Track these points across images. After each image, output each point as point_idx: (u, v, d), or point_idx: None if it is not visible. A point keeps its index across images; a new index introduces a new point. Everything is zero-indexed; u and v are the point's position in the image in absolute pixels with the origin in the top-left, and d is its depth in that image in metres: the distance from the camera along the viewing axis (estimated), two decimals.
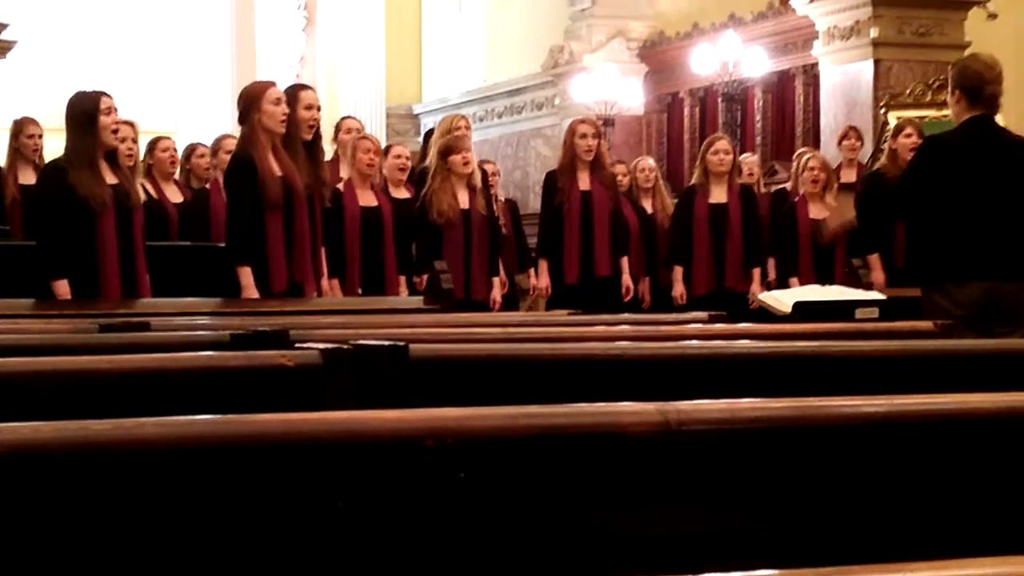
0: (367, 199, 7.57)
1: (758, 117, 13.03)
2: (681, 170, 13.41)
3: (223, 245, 6.29)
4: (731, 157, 8.18)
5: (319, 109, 6.43)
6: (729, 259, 8.10)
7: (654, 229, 8.73)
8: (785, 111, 12.86)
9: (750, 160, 9.39)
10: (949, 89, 5.69)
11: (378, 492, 1.62)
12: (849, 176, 9.02)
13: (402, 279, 7.65)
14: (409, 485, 1.62)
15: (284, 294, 5.97)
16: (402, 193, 7.95)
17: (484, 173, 8.02)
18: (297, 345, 2.60)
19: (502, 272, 8.02)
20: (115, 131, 5.92)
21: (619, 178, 8.69)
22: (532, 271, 8.33)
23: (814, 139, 11.82)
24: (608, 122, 13.36)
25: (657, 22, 14.39)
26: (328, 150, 7.43)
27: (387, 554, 1.63)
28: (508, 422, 1.69)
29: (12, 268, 5.99)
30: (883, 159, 8.29)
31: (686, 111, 13.97)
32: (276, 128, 6.00)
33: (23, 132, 8.17)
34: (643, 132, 14.28)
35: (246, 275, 5.93)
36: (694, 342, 3.19)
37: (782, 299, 6.62)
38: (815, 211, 8.26)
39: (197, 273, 6.44)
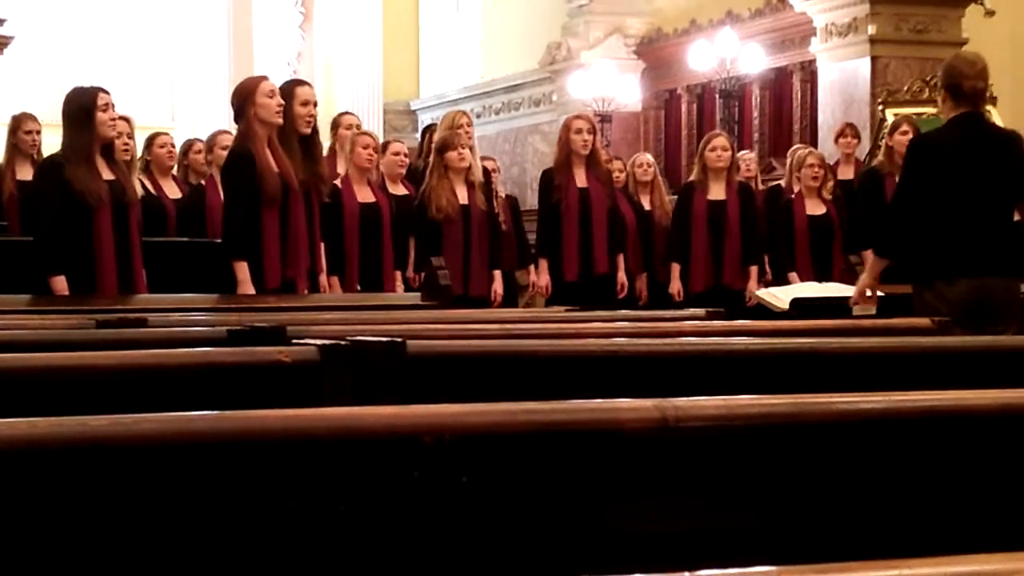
0: (365, 195, 7.56)
1: (755, 114, 13.02)
2: (679, 167, 13.41)
3: (219, 241, 6.28)
4: (729, 154, 8.17)
5: (316, 105, 6.41)
6: (727, 256, 8.08)
7: (651, 226, 8.71)
8: (782, 108, 12.85)
9: (747, 157, 9.39)
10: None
11: (376, 489, 1.61)
12: (846, 173, 9.02)
13: (398, 275, 7.64)
14: (407, 482, 1.62)
15: (277, 290, 5.95)
16: (400, 190, 7.94)
17: (486, 169, 8.01)
18: (294, 341, 2.59)
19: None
20: (112, 127, 5.92)
21: (615, 175, 8.69)
22: (532, 267, 8.32)
23: (811, 136, 11.82)
24: (606, 119, 13.36)
25: (655, 19, 14.39)
26: (325, 146, 7.42)
27: (385, 551, 1.63)
28: (506, 418, 1.69)
29: (9, 264, 5.99)
30: (880, 156, 8.31)
31: (683, 108, 13.96)
32: (273, 120, 5.97)
33: (21, 128, 8.15)
34: (641, 129, 14.28)
35: (242, 270, 5.90)
36: (692, 339, 3.19)
37: (780, 296, 6.64)
38: (811, 207, 8.26)
39: (194, 269, 6.43)
